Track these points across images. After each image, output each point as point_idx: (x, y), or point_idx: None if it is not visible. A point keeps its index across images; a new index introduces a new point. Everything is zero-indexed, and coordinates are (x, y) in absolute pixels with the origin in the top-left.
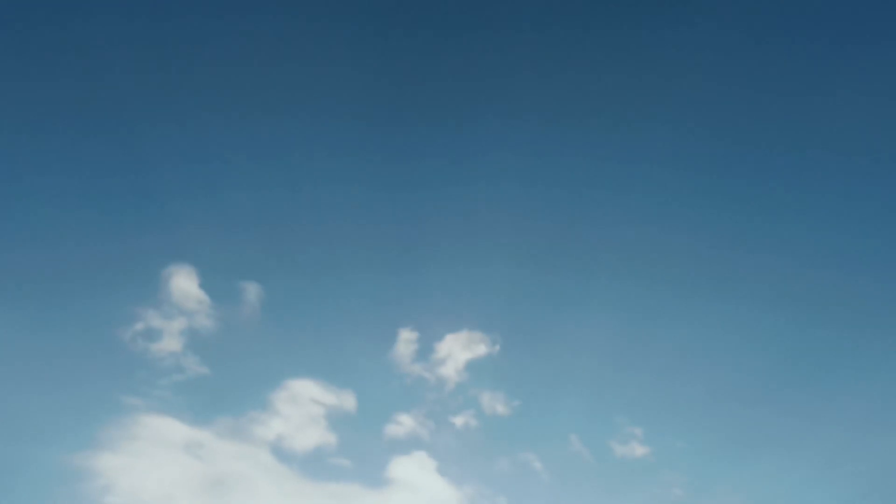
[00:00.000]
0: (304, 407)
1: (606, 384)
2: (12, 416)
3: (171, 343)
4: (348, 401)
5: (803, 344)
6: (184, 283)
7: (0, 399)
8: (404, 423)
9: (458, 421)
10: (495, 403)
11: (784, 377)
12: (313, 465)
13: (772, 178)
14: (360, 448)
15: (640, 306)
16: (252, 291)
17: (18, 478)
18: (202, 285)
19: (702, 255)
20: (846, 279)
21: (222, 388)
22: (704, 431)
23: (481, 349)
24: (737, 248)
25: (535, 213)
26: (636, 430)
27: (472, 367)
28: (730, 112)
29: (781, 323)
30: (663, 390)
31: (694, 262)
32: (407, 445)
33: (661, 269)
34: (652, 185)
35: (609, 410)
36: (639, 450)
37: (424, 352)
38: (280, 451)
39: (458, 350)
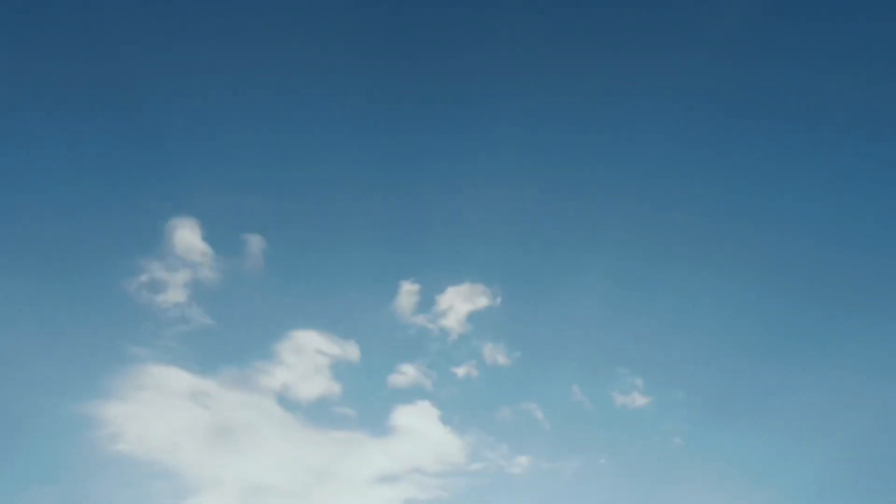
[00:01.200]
0: (308, 357)
1: (608, 336)
2: (19, 368)
3: (175, 295)
4: (352, 351)
5: (804, 299)
6: (187, 236)
7: (6, 351)
8: (407, 374)
9: (460, 371)
10: (496, 354)
11: (786, 331)
12: (318, 413)
13: (773, 147)
14: (364, 397)
15: (642, 258)
16: (255, 244)
17: (27, 427)
18: (205, 238)
19: (704, 205)
20: (848, 239)
21: (227, 339)
22: (705, 383)
23: (483, 301)
24: (740, 201)
25: (537, 162)
26: (637, 381)
27: (474, 318)
28: (730, 87)
29: (782, 279)
30: (664, 342)
31: (695, 213)
32: (410, 395)
33: (663, 221)
34: (658, 127)
35: (610, 361)
36: (639, 400)
37: (426, 304)
38: (285, 400)
39: (460, 302)
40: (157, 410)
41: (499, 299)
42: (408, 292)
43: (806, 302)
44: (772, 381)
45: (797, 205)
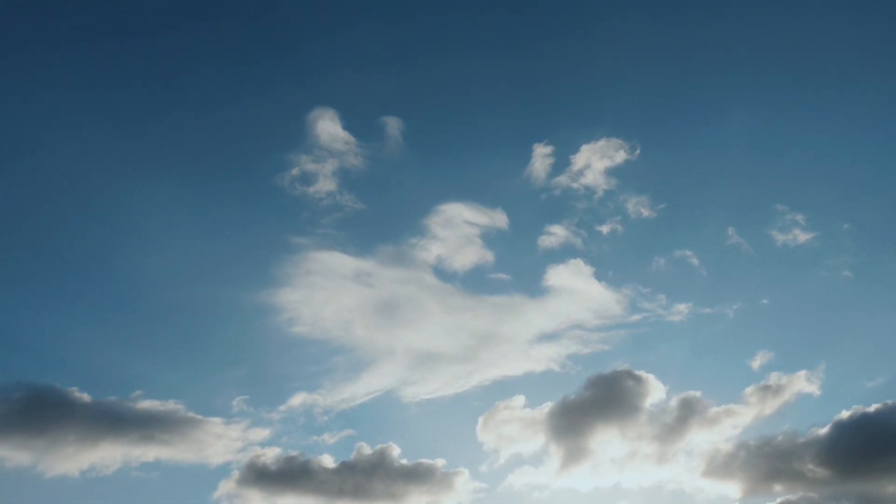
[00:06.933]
0: (458, 229)
1: (760, 173)
2: (199, 265)
3: (326, 184)
4: (499, 219)
5: None
6: (329, 126)
7: (187, 251)
8: (557, 234)
9: (606, 228)
10: (640, 208)
11: None
12: (474, 281)
13: None
14: (516, 261)
15: (788, 87)
16: (393, 125)
17: (216, 318)
18: (346, 126)
19: (852, 23)
20: None
21: (380, 220)
22: (873, 210)
23: (620, 156)
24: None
25: (665, 7)
26: (798, 217)
27: (613, 174)
28: None
29: None
30: (824, 173)
31: (841, 36)
32: (561, 255)
33: (813, 42)
34: None
35: (766, 199)
36: (802, 236)
37: (561, 164)
38: (442, 272)
39: (596, 159)
40: (325, 293)
41: (637, 152)
42: (541, 154)
43: None
44: None
45: None
